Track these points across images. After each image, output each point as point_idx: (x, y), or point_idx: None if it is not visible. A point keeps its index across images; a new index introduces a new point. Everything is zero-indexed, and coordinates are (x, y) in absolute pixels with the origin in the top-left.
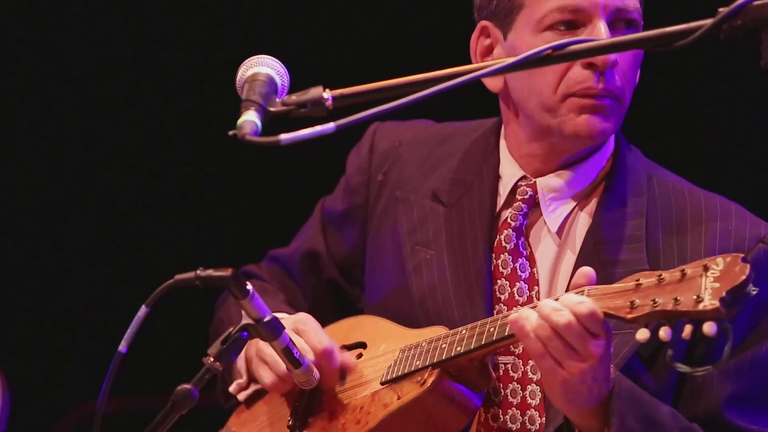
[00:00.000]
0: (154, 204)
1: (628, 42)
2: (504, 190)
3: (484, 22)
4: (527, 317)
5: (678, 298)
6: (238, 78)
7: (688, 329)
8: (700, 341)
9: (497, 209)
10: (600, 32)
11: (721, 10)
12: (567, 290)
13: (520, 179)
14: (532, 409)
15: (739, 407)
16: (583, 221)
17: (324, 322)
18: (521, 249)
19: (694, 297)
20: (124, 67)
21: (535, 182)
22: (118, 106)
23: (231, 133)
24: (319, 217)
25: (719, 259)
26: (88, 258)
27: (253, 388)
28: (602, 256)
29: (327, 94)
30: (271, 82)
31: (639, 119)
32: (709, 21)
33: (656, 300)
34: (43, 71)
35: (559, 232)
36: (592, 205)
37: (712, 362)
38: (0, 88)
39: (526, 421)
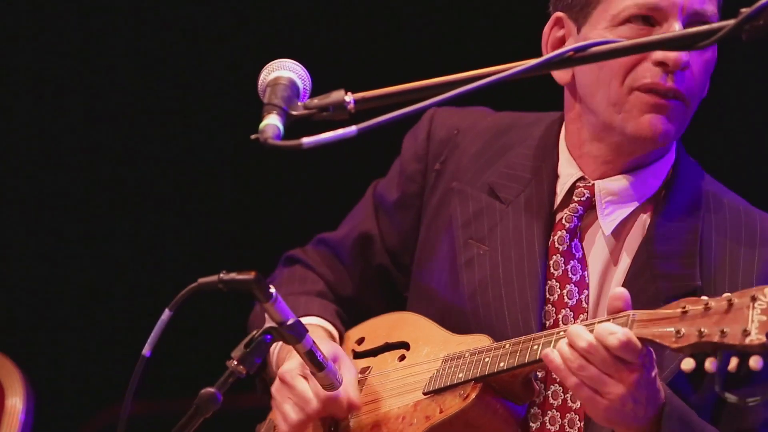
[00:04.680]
0: (178, 207)
1: (651, 43)
2: (561, 189)
3: (558, 13)
4: (559, 351)
5: (725, 330)
6: (260, 82)
7: (734, 362)
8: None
9: (553, 209)
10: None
11: (743, 10)
12: (608, 312)
13: (578, 180)
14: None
15: None
16: (637, 229)
17: (369, 308)
18: (574, 251)
19: (741, 330)
20: (152, 72)
21: (593, 184)
22: (144, 111)
23: (253, 137)
24: (372, 201)
25: (767, 290)
26: (111, 262)
27: None
28: (655, 269)
29: (349, 98)
30: (292, 85)
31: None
32: (731, 21)
33: (702, 330)
34: (68, 74)
35: (614, 236)
36: (649, 214)
37: (760, 391)
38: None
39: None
